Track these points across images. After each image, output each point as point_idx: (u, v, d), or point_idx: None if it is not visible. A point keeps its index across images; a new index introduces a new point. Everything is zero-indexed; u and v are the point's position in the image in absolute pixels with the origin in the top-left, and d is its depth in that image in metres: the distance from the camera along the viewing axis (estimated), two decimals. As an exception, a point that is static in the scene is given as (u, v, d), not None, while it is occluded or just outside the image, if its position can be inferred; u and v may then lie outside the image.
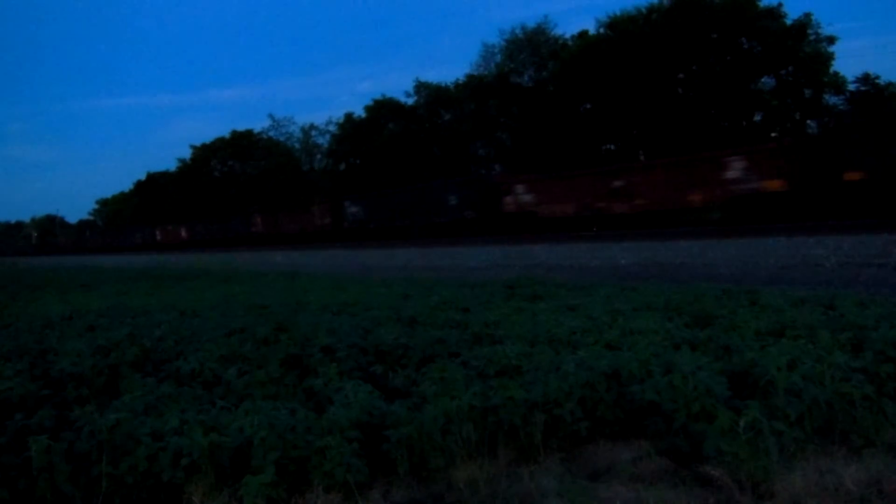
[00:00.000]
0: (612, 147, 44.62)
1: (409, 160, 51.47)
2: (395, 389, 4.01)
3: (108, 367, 4.58)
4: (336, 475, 2.83)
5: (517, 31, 50.14)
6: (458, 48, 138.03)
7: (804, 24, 37.47)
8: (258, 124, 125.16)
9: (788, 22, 37.79)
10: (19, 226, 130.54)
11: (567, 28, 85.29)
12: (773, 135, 33.51)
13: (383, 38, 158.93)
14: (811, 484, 2.72)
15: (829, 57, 37.51)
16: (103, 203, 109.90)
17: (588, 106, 45.17)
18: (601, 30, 43.66)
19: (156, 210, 76.02)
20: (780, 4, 37.93)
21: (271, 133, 71.18)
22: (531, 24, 50.18)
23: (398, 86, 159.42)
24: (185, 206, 71.22)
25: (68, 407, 3.62)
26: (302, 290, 10.42)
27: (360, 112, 60.63)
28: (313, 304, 8.05)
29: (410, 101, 57.28)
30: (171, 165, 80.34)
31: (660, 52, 38.59)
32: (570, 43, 47.16)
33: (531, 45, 49.37)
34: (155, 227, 71.66)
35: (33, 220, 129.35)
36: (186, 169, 76.09)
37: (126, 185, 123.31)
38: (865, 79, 36.20)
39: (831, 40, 37.54)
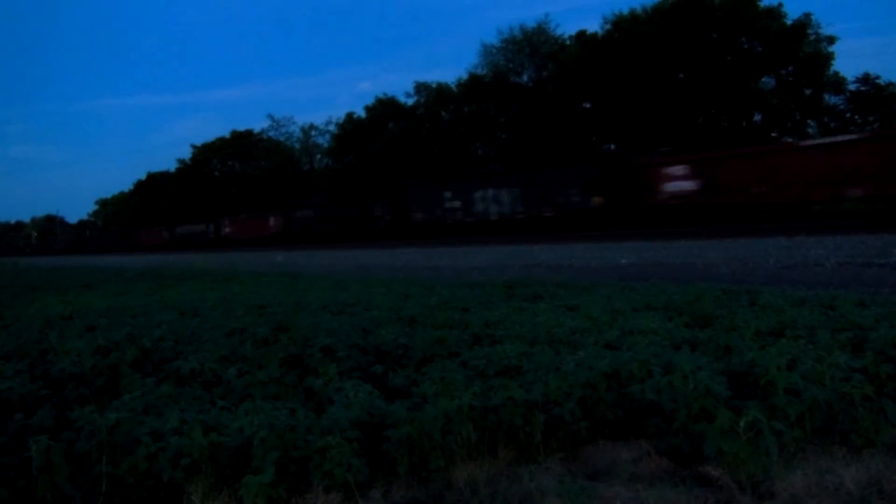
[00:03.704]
0: (612, 147, 44.58)
1: (409, 160, 51.47)
2: (395, 389, 4.01)
3: (108, 367, 4.58)
4: (336, 475, 2.83)
5: (515, 31, 50.14)
6: (457, 48, 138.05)
7: (804, 24, 37.42)
8: (258, 124, 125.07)
9: (788, 22, 37.74)
10: (19, 226, 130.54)
11: (567, 28, 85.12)
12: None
13: (383, 38, 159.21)
14: (811, 484, 2.72)
15: (829, 57, 37.48)
16: (103, 203, 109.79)
17: (587, 105, 45.13)
18: (608, 26, 43.55)
19: (156, 210, 75.97)
20: (780, 4, 37.90)
21: (271, 133, 71.31)
22: (531, 25, 50.16)
23: (398, 86, 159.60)
24: (186, 206, 71.21)
25: (68, 407, 3.62)
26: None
27: (360, 112, 60.73)
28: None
29: (410, 101, 57.34)
30: (171, 165, 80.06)
31: (660, 52, 38.57)
32: (568, 43, 47.09)
33: (530, 46, 49.30)
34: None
35: (33, 220, 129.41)
36: (186, 169, 76.00)
37: (126, 185, 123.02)
38: (865, 79, 36.23)
39: (831, 40, 37.50)
